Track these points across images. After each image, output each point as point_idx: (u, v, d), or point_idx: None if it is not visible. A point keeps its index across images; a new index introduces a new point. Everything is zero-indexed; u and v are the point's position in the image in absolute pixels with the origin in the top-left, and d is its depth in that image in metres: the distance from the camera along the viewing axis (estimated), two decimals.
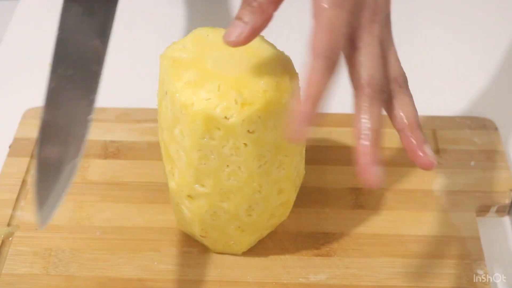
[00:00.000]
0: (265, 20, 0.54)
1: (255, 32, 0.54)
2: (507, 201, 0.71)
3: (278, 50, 0.61)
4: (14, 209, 0.70)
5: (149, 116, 0.78)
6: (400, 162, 0.74)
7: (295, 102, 0.57)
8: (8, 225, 0.69)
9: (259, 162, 0.59)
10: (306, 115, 0.50)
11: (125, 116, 0.79)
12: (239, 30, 0.54)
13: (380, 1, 0.56)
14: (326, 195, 0.72)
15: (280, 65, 0.59)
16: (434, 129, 0.78)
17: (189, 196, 0.62)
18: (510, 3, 0.96)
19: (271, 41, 0.62)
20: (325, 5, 0.52)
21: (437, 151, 0.76)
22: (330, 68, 0.51)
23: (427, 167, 0.56)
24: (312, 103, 0.50)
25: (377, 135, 0.53)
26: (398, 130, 0.56)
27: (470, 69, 0.87)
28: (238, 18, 0.54)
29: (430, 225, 0.69)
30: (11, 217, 0.69)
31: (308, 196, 0.71)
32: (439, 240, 0.68)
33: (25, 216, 0.70)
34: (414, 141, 0.55)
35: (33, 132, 0.77)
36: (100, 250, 0.67)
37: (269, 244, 0.67)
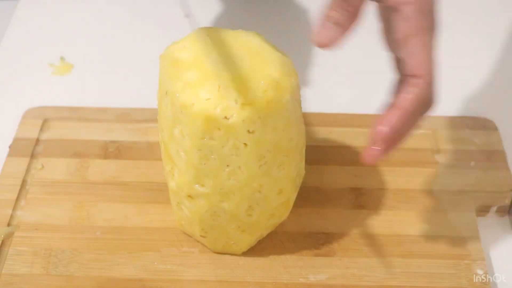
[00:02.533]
0: (356, 23, 0.53)
1: (346, 35, 0.53)
2: (507, 201, 0.71)
3: (278, 50, 0.61)
4: (14, 209, 0.70)
5: (149, 116, 0.78)
6: (400, 162, 0.74)
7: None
8: (8, 225, 0.69)
9: (259, 162, 0.59)
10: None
11: (125, 116, 0.79)
12: (332, 34, 0.52)
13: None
14: (326, 195, 0.72)
15: (280, 65, 0.59)
16: (434, 129, 0.78)
17: (189, 196, 0.62)
18: (510, 2, 0.96)
19: (271, 41, 0.62)
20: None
21: (437, 151, 0.76)
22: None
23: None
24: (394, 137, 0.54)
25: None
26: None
27: (470, 69, 0.87)
28: (331, 19, 0.52)
29: (430, 225, 0.69)
30: (11, 217, 0.69)
31: (308, 196, 0.71)
32: (439, 240, 0.68)
33: (25, 216, 0.70)
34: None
35: (33, 132, 0.77)
36: (100, 250, 0.67)
37: (269, 244, 0.68)
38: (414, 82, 0.53)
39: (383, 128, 0.54)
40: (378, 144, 0.54)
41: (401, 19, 0.53)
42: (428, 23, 0.53)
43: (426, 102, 0.54)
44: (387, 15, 0.56)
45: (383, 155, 0.56)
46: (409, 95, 0.53)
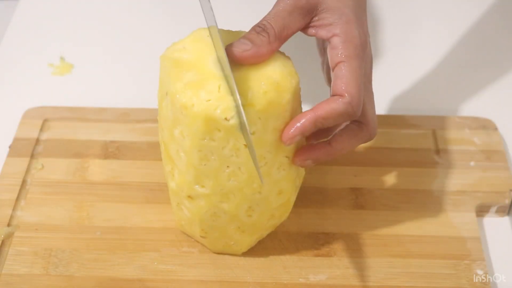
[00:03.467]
0: (269, 51, 0.59)
1: (258, 55, 0.58)
2: (507, 201, 0.71)
3: (278, 51, 0.61)
4: (14, 209, 0.70)
5: (149, 116, 0.78)
6: (400, 162, 0.74)
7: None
8: (8, 225, 0.69)
9: (259, 163, 0.59)
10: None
11: (125, 116, 0.79)
12: (245, 47, 0.58)
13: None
14: (326, 195, 0.72)
15: (280, 66, 0.59)
16: (434, 129, 0.78)
17: (189, 196, 0.62)
18: (510, 3, 0.96)
19: None
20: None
21: (437, 151, 0.76)
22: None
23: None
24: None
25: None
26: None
27: (470, 69, 0.87)
28: (247, 38, 0.58)
29: (430, 225, 0.69)
30: (11, 217, 0.69)
31: (308, 196, 0.71)
32: (439, 240, 0.68)
33: (25, 216, 0.70)
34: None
35: (33, 132, 0.77)
36: (100, 250, 0.67)
37: (269, 244, 0.68)
38: (334, 98, 0.58)
39: (292, 125, 0.59)
40: (288, 142, 0.59)
41: (331, 48, 0.60)
42: (355, 52, 0.59)
43: (341, 116, 0.59)
44: (323, 47, 0.64)
45: (308, 157, 0.62)
46: (325, 106, 0.58)
